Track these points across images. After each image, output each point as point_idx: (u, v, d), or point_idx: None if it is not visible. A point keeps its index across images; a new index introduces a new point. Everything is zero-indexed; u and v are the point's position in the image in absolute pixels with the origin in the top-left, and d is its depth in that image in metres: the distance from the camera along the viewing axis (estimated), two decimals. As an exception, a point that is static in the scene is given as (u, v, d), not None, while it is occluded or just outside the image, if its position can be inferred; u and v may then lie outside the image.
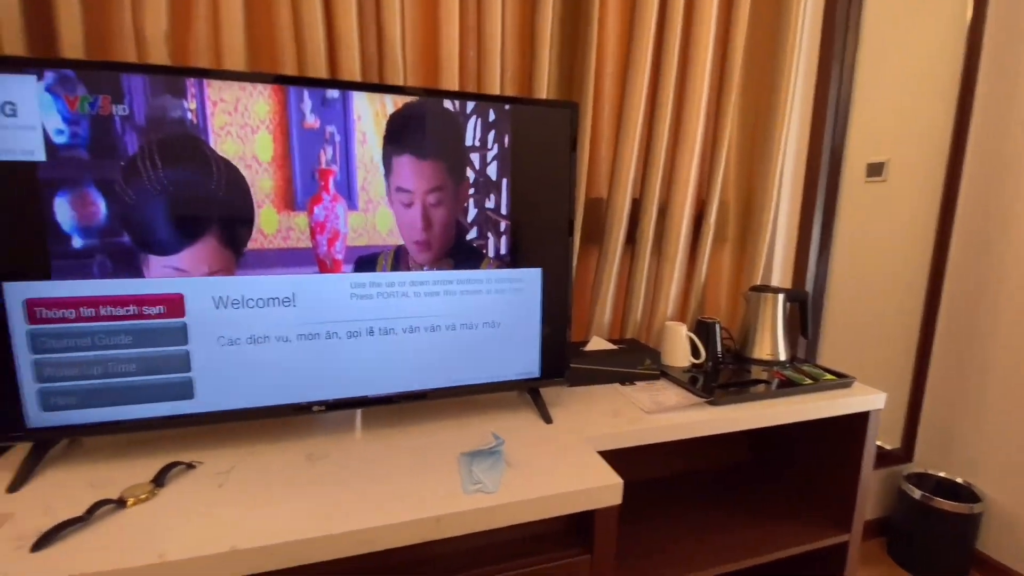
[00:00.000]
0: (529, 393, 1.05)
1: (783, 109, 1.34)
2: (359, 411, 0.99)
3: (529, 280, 0.97)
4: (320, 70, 1.01)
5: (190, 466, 0.79)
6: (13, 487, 0.73)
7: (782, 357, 1.28)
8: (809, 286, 1.60)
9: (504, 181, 0.92)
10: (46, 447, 0.80)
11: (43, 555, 0.60)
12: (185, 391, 0.81)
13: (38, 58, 0.84)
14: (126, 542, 0.63)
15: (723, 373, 1.21)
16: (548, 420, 0.98)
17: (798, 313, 1.37)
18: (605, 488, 0.78)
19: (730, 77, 1.32)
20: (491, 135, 0.90)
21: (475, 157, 0.90)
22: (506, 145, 0.91)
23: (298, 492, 0.74)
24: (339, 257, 0.85)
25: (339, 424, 0.95)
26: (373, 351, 0.89)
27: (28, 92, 0.69)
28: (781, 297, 1.29)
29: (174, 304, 0.78)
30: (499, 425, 0.95)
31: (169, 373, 0.80)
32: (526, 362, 1.00)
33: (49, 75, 0.70)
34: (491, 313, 0.95)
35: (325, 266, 0.84)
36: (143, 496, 0.71)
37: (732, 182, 1.45)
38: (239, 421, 0.92)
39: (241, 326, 0.82)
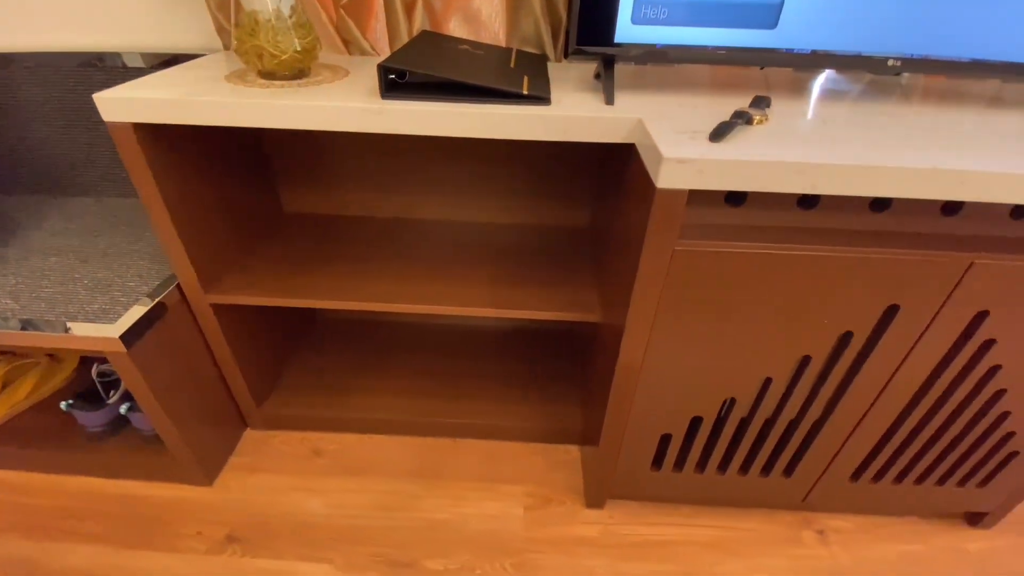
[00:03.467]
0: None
1: None
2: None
3: None
4: None
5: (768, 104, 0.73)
6: (609, 102, 0.74)
7: None
8: None
9: None
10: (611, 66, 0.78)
11: (722, 145, 0.60)
12: (770, 17, 0.71)
13: None
14: (794, 144, 0.60)
15: None
16: None
17: None
18: None
19: None
20: None
21: None
22: None
23: (903, 141, 0.65)
24: None
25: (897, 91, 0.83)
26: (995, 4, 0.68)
27: None
28: None
29: None
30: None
31: (764, -10, 0.69)
32: None
33: None
34: None
35: None
36: (761, 119, 0.67)
37: None
38: (809, 68, 0.87)
39: (865, -70, 0.65)
